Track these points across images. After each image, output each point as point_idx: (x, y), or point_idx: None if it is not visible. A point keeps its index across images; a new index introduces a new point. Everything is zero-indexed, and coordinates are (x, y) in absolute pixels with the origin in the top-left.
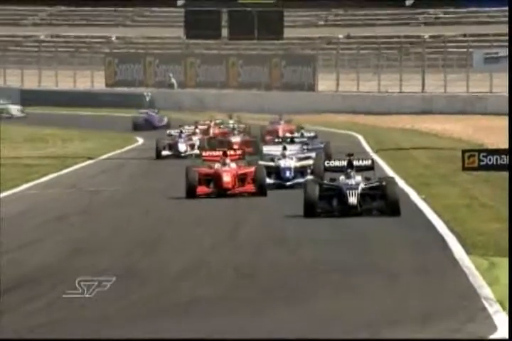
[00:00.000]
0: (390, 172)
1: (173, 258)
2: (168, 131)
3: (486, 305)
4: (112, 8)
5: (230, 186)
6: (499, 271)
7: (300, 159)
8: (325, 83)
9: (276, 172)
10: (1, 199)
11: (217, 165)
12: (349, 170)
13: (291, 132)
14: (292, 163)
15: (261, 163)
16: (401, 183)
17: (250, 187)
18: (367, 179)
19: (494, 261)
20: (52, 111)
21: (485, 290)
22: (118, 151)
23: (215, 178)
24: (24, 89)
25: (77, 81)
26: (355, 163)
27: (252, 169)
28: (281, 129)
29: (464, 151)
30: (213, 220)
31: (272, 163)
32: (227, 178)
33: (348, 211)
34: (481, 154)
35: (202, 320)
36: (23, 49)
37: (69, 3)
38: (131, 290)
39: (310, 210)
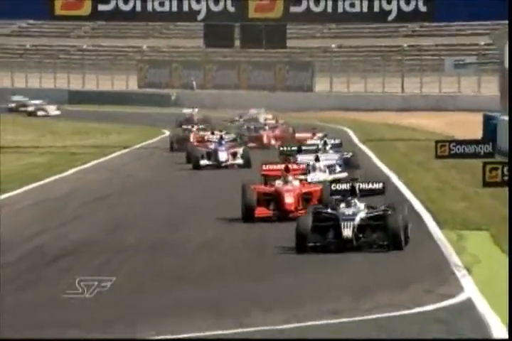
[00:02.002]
0: (375, 159)
1: (194, 234)
2: (206, 137)
3: (455, 270)
4: (144, 23)
5: (292, 208)
6: (466, 243)
7: (334, 171)
8: (321, 85)
9: None
10: (51, 182)
11: (278, 183)
12: (349, 198)
13: (276, 139)
14: (322, 177)
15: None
16: (385, 169)
17: None
18: (371, 207)
19: (462, 234)
20: (93, 108)
21: (454, 258)
22: (149, 141)
23: (275, 198)
24: (71, 90)
25: (115, 83)
26: (364, 186)
27: (318, 188)
28: (266, 136)
29: (436, 142)
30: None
31: (301, 176)
32: (289, 199)
33: (343, 245)
34: (451, 144)
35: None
36: (69, 57)
37: (109, 19)
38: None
39: (302, 244)
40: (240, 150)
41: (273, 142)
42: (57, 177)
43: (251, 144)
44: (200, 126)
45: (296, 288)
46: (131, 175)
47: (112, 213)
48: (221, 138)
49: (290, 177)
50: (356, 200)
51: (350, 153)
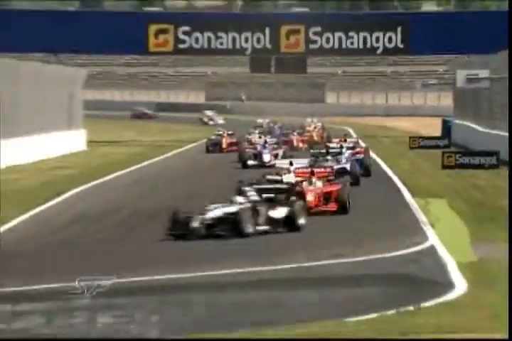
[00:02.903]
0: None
1: None
2: (253, 140)
3: (423, 226)
4: (209, 56)
5: (313, 205)
6: (431, 206)
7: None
8: (330, 98)
9: None
10: (144, 166)
11: (305, 184)
12: (231, 198)
13: (303, 142)
14: (292, 179)
15: (268, 177)
16: (375, 157)
17: (332, 206)
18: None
19: (428, 200)
20: (174, 114)
21: (422, 217)
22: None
23: (300, 196)
24: (158, 101)
25: (189, 97)
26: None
27: (336, 188)
28: (295, 140)
29: (410, 138)
30: None
31: (278, 177)
32: (310, 197)
33: (193, 234)
34: (420, 139)
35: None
36: (159, 80)
37: (185, 53)
38: None
39: (168, 231)
40: (281, 152)
41: (301, 145)
42: (148, 162)
43: (283, 147)
44: (229, 132)
45: (310, 239)
46: (196, 161)
47: (183, 188)
48: (265, 142)
49: (314, 179)
50: (238, 198)
51: (362, 155)
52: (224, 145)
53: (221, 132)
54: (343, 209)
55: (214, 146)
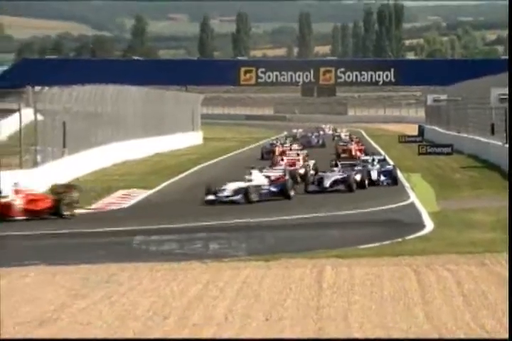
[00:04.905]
0: (374, 144)
1: None
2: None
3: (406, 189)
4: (276, 86)
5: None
6: (411, 178)
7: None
8: (350, 112)
9: None
10: (237, 153)
11: None
12: None
13: (361, 151)
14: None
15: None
16: (378, 147)
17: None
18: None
19: (409, 174)
20: (256, 122)
21: (406, 184)
22: (275, 136)
23: None
24: (246, 114)
25: (264, 111)
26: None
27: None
28: (354, 149)
29: (399, 136)
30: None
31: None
32: (19, 201)
33: None
34: (405, 137)
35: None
36: (246, 101)
37: (262, 85)
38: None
39: None
40: (311, 164)
41: (358, 154)
42: (240, 150)
43: (343, 155)
44: (281, 142)
45: (323, 200)
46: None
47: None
48: (297, 154)
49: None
50: None
51: (391, 167)
52: (276, 153)
53: (274, 141)
54: (58, 214)
55: (268, 154)
